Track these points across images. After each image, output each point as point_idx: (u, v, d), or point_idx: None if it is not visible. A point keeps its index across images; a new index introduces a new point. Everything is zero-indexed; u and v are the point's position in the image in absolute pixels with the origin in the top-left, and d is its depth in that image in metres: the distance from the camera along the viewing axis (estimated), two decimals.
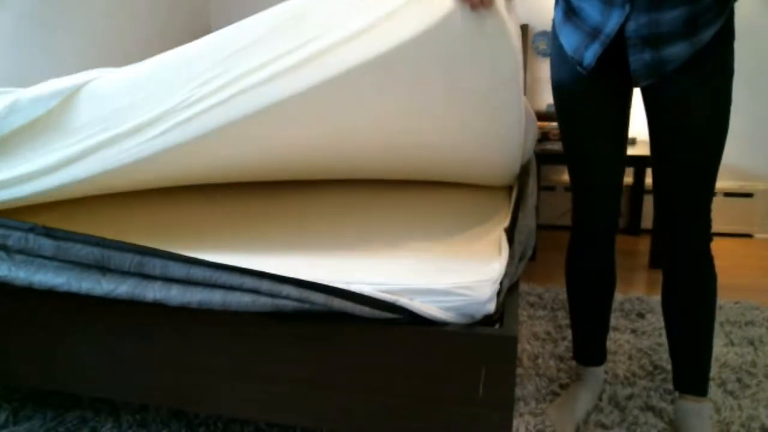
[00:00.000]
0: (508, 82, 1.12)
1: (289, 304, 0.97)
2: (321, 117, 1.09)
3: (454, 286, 0.98)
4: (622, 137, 1.30)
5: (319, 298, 0.95)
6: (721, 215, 2.71)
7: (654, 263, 2.40)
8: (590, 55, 1.18)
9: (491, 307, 1.00)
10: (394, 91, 1.08)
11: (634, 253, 2.58)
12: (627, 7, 1.10)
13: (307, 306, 0.96)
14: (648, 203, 2.81)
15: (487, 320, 1.00)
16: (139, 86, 1.04)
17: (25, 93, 1.06)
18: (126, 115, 1.04)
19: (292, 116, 1.05)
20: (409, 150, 1.30)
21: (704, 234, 1.22)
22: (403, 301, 0.97)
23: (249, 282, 0.97)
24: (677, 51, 1.10)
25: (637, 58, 1.13)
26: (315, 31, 0.99)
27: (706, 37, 1.09)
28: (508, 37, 1.04)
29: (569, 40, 1.22)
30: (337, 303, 0.95)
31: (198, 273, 0.98)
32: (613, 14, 1.12)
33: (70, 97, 1.06)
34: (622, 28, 1.12)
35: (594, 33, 1.17)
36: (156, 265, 1.00)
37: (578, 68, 1.22)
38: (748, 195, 2.77)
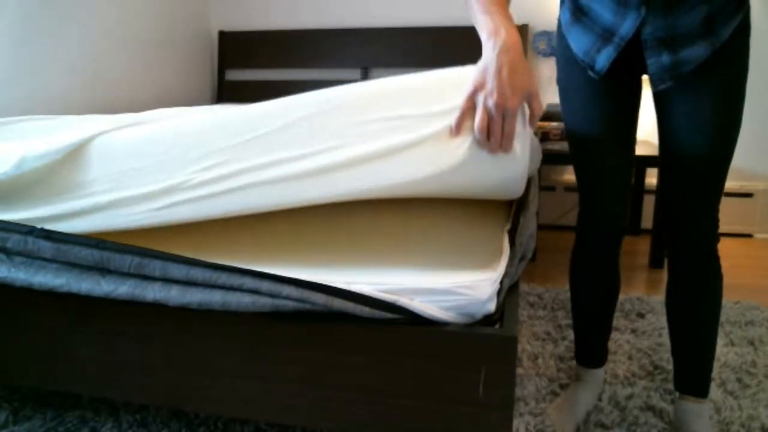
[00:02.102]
0: (517, 179, 1.09)
1: (289, 305, 0.97)
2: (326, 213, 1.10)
3: (454, 286, 0.98)
4: (630, 139, 1.28)
5: (319, 298, 0.95)
6: (721, 215, 2.70)
7: (654, 263, 2.40)
8: (603, 59, 1.16)
9: (491, 306, 1.00)
10: (400, 204, 1.07)
11: (634, 253, 2.58)
12: (642, 11, 1.08)
13: (307, 306, 0.96)
14: (648, 203, 2.81)
15: (487, 320, 1.00)
16: (148, 154, 1.05)
17: (31, 149, 1.07)
18: (133, 180, 1.06)
19: (297, 212, 1.05)
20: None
21: (712, 233, 1.21)
22: (403, 301, 0.97)
23: (249, 282, 0.97)
24: (696, 52, 1.08)
25: (655, 61, 1.11)
26: (329, 141, 0.98)
27: (725, 36, 1.07)
28: (523, 168, 1.01)
29: (579, 43, 1.20)
30: (338, 303, 0.95)
31: (198, 274, 0.98)
32: (628, 16, 1.10)
33: (79, 150, 1.07)
34: (637, 31, 1.10)
35: (607, 35, 1.14)
36: (156, 267, 1.00)
37: (589, 73, 1.20)
38: (748, 195, 2.77)
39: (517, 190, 1.07)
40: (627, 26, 1.11)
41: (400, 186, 0.98)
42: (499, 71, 0.92)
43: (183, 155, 1.03)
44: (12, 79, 1.87)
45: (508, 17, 0.99)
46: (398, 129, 0.96)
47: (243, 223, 1.39)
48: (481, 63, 0.95)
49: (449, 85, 0.96)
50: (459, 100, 0.95)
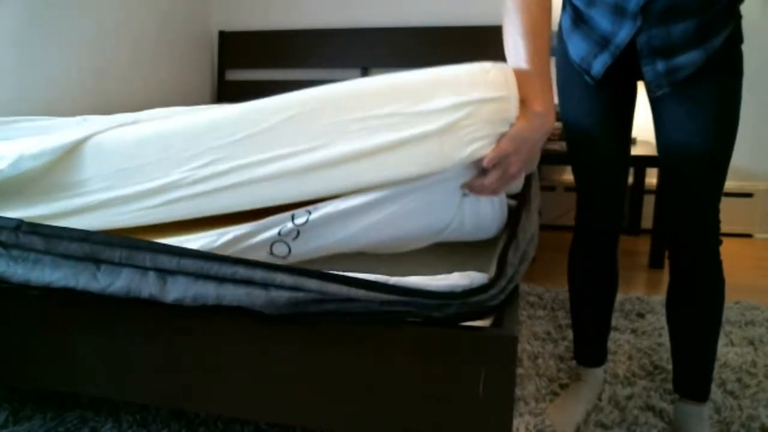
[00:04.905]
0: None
1: (284, 294, 0.95)
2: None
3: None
4: (626, 139, 1.30)
5: (313, 284, 0.94)
6: (721, 215, 2.71)
7: (654, 263, 2.40)
8: (599, 64, 1.18)
9: (493, 269, 0.99)
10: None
11: (634, 253, 2.58)
12: (638, 21, 1.09)
13: (301, 295, 0.95)
14: (648, 203, 2.81)
15: (489, 312, 0.99)
16: (143, 152, 1.06)
17: (28, 148, 1.07)
18: (129, 178, 1.06)
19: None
20: None
21: (713, 236, 1.21)
22: (396, 278, 0.96)
23: (242, 271, 0.96)
24: (690, 58, 1.10)
25: (650, 69, 1.13)
26: (313, 141, 0.98)
27: (718, 43, 1.09)
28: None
29: (577, 49, 1.22)
30: (332, 288, 0.94)
31: (189, 264, 0.98)
32: (624, 26, 1.12)
33: (74, 149, 1.08)
34: (632, 40, 1.12)
35: (603, 42, 1.16)
36: (146, 258, 0.99)
37: (585, 77, 1.21)
38: (748, 195, 2.77)
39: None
40: (622, 35, 1.13)
41: (386, 185, 0.98)
42: (533, 148, 0.96)
43: (177, 154, 1.03)
44: (12, 79, 1.87)
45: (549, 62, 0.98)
46: (384, 127, 0.95)
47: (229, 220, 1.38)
48: (522, 131, 0.93)
49: (440, 85, 0.94)
50: (449, 100, 0.93)
